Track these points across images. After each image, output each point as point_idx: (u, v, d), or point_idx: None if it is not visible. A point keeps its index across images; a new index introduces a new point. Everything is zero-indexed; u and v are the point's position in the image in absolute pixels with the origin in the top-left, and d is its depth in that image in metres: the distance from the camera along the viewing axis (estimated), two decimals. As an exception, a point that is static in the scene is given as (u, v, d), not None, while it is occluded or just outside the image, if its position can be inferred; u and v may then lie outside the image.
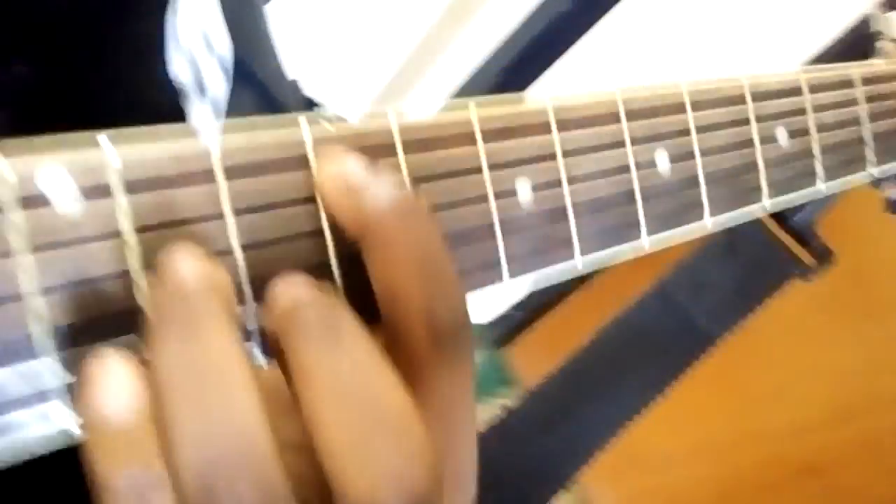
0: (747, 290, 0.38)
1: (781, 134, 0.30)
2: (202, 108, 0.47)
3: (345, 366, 0.17)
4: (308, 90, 0.74)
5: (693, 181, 0.27)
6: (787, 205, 0.30)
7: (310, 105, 0.76)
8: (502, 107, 0.23)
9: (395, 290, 0.19)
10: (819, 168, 0.31)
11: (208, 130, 0.43)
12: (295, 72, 0.69)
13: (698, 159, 0.27)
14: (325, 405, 0.17)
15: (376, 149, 0.20)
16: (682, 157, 0.27)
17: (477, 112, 0.22)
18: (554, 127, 0.24)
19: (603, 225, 0.24)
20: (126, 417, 0.16)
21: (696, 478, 1.30)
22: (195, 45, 0.45)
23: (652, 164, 0.26)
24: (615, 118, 0.25)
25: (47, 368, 0.16)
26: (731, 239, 0.38)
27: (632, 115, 0.26)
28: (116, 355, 0.16)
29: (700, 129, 0.27)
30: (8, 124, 0.31)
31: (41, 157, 0.16)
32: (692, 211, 0.27)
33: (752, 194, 0.29)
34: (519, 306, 1.31)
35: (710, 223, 0.27)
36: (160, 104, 0.39)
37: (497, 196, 0.22)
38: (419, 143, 0.21)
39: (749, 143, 0.29)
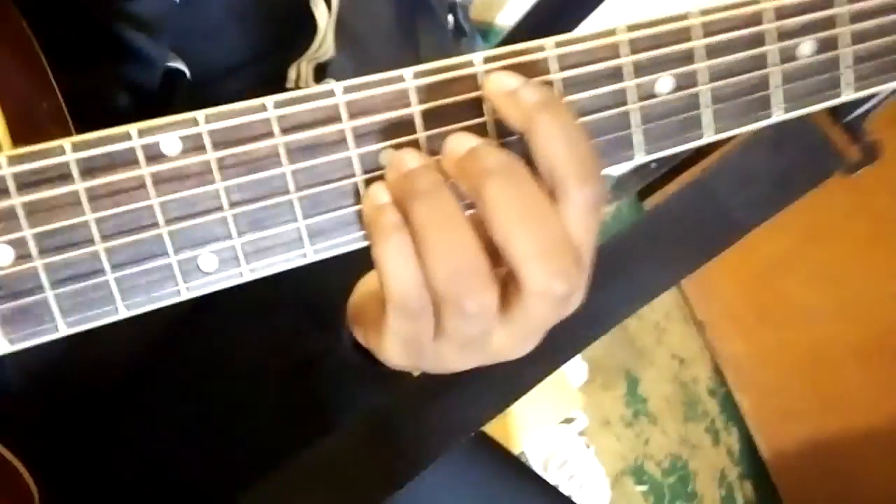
0: (788, 184, 0.41)
1: (806, 48, 0.32)
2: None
3: (523, 197, 0.27)
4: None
5: (694, 103, 0.31)
6: (802, 113, 0.33)
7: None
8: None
9: (553, 164, 0.27)
10: (849, 77, 0.33)
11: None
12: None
13: (700, 83, 0.31)
14: (511, 226, 0.26)
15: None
16: (685, 82, 0.30)
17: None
18: (556, 67, 0.28)
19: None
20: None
21: (834, 336, 1.30)
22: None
23: (652, 90, 0.30)
24: (616, 53, 0.29)
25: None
26: (779, 134, 0.40)
27: (635, 48, 0.30)
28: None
29: (708, 55, 0.30)
30: None
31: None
32: (692, 130, 0.31)
33: (760, 111, 0.32)
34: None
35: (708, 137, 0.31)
36: None
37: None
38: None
39: (763, 59, 0.31)
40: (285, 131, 0.27)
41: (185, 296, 0.27)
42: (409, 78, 0.28)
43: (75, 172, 0.25)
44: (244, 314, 0.53)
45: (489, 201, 0.26)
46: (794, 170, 0.39)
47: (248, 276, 0.27)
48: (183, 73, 0.48)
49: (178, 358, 0.49)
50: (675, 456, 1.41)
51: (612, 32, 0.30)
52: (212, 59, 0.50)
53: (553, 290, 0.26)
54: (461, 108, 0.28)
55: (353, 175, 0.28)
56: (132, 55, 0.43)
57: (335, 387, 0.53)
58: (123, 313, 0.26)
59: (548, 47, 0.29)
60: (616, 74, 0.30)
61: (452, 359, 0.29)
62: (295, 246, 0.28)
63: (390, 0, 0.76)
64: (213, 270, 0.27)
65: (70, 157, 0.25)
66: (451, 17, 0.82)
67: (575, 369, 1.31)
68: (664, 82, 0.30)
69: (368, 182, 0.28)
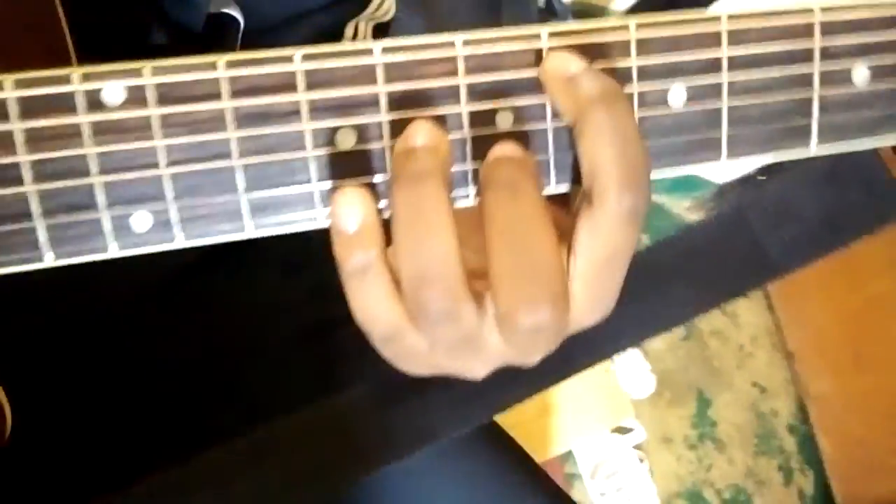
0: (837, 226, 0.35)
1: (860, 73, 0.27)
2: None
3: (514, 216, 0.25)
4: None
5: (713, 118, 0.27)
6: (845, 149, 0.28)
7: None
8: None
9: (595, 166, 0.25)
10: (917, 113, 0.28)
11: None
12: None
13: (724, 96, 0.26)
14: (495, 238, 0.25)
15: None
16: (702, 95, 0.26)
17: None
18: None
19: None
20: (351, 227, 0.25)
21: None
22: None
23: (663, 99, 0.26)
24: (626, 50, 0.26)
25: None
26: (831, 164, 0.35)
27: (643, 49, 0.26)
28: (354, 189, 0.25)
29: (737, 66, 0.26)
30: None
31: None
32: (706, 149, 0.27)
33: (797, 137, 0.27)
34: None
35: (724, 160, 0.27)
36: None
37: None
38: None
39: (807, 80, 0.27)
40: (236, 94, 0.25)
41: (114, 254, 0.26)
42: (378, 53, 0.25)
43: (13, 111, 0.24)
44: (264, 269, 0.53)
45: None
46: (847, 209, 0.34)
47: (182, 243, 0.26)
48: (236, 20, 0.47)
49: (187, 305, 0.49)
50: (739, 489, 1.33)
51: (624, 28, 0.26)
52: (268, 8, 0.49)
53: (521, 320, 0.24)
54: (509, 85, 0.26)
55: (304, 150, 0.26)
56: None
57: (343, 358, 0.52)
58: (50, 262, 0.26)
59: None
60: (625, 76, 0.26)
61: (447, 364, 0.28)
62: (234, 218, 0.26)
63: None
64: (146, 231, 0.26)
65: (9, 94, 0.24)
66: (544, -5, 0.78)
67: (640, 381, 1.25)
68: (676, 92, 0.26)
69: (320, 160, 0.26)
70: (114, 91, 0.25)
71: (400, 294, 0.25)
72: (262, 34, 0.49)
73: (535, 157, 0.26)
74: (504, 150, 0.25)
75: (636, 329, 0.36)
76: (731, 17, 0.26)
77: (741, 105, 0.27)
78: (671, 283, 0.36)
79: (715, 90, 0.26)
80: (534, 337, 0.25)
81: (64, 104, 0.25)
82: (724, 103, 0.26)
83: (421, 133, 0.25)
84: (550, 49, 0.26)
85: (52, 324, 0.42)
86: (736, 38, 0.26)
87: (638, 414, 1.25)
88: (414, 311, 0.25)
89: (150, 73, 0.25)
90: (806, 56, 0.26)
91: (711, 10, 0.26)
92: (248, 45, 0.48)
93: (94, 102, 0.25)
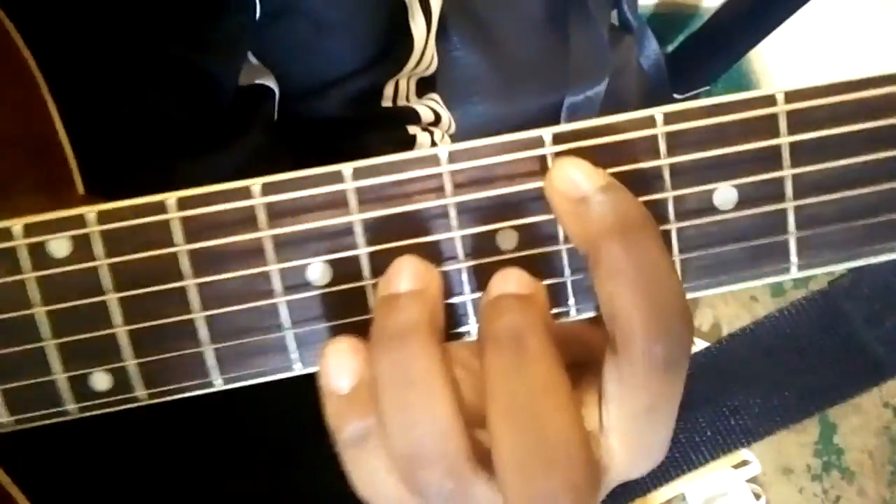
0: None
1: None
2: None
3: (520, 388, 0.20)
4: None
5: (775, 221, 0.21)
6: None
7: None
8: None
9: (615, 310, 0.20)
10: None
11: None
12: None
13: (788, 193, 0.21)
14: (498, 418, 0.20)
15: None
16: (757, 195, 0.21)
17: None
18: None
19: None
20: (344, 387, 0.21)
21: None
22: None
23: (708, 202, 0.21)
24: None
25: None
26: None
27: (676, 144, 0.20)
28: (345, 342, 0.21)
29: (802, 154, 0.20)
30: None
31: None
32: (770, 258, 0.21)
33: (892, 235, 0.21)
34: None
35: (795, 272, 0.21)
36: None
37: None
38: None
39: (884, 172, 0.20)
40: (190, 236, 0.22)
41: (76, 415, 0.23)
42: (349, 177, 0.21)
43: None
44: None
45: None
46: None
47: (146, 401, 0.23)
48: (270, 89, 0.45)
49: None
50: (873, 523, 1.20)
51: (649, 121, 0.21)
52: (298, 76, 0.46)
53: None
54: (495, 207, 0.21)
55: (272, 292, 0.22)
56: (197, 76, 0.41)
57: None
58: (9, 426, 0.23)
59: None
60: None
61: None
62: (199, 372, 0.23)
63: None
64: (106, 390, 0.23)
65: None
66: (615, 12, 0.72)
67: (752, 408, 1.15)
68: (724, 192, 0.21)
69: (292, 302, 0.22)
70: (59, 244, 0.22)
71: None
72: (297, 101, 0.46)
73: (544, 287, 0.21)
74: (506, 283, 0.20)
75: (705, 450, 0.30)
76: (789, 94, 0.20)
77: (811, 203, 0.21)
78: (748, 391, 0.30)
79: (774, 187, 0.21)
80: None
81: (6, 260, 0.22)
82: (789, 202, 0.21)
83: (403, 274, 0.20)
84: (556, 156, 0.21)
85: (83, 439, 0.40)
86: (798, 119, 0.20)
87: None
88: (414, 492, 0.21)
89: (95, 222, 0.22)
90: (884, 136, 0.20)
91: (763, 89, 0.20)
92: (283, 113, 0.46)
93: (39, 256, 0.22)
